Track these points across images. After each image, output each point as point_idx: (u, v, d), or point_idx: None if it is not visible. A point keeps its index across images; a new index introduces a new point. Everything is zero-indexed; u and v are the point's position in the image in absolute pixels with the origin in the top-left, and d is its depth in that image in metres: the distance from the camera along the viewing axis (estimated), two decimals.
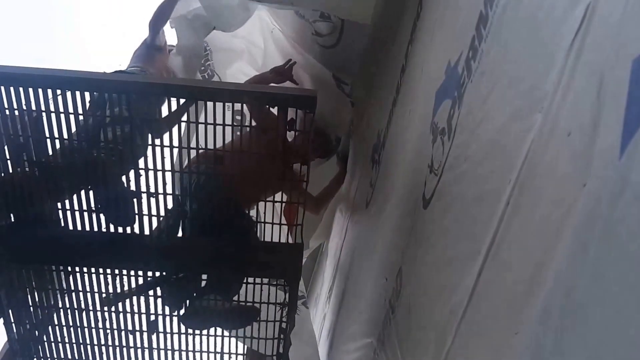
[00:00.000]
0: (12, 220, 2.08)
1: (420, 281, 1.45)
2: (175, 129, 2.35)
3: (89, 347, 2.45)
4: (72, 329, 2.39)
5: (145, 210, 2.09)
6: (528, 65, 1.00)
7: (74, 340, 2.42)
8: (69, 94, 1.88)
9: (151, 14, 2.69)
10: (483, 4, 1.23)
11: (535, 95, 0.93)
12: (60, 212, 2.11)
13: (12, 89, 1.85)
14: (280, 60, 2.90)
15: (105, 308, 2.35)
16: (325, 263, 3.74)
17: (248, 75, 3.10)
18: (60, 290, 2.29)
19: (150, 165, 2.01)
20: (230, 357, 2.57)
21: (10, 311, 2.27)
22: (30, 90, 1.85)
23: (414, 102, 1.82)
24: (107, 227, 2.12)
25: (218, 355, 2.54)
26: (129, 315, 2.37)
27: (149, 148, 2.01)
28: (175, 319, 2.38)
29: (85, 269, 2.25)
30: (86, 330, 2.41)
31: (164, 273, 2.27)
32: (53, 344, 2.42)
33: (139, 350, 2.48)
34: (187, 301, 2.28)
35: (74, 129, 1.95)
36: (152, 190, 2.05)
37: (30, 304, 2.29)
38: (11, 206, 2.04)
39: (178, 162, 2.10)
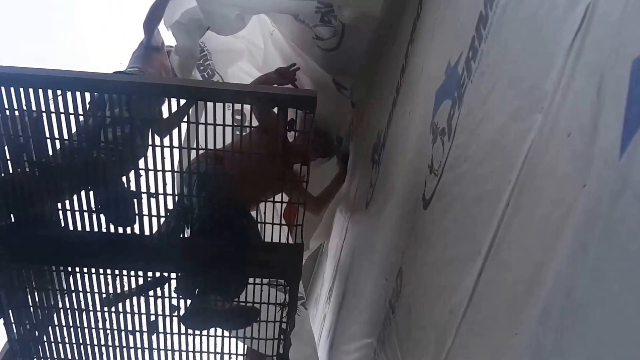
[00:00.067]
0: (13, 220, 2.08)
1: (421, 281, 1.45)
2: (175, 130, 2.35)
3: (89, 347, 2.45)
4: (72, 329, 2.39)
5: (145, 211, 2.10)
6: (528, 65, 1.00)
7: (74, 341, 2.42)
8: (69, 94, 1.88)
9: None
10: (483, 4, 1.23)
11: (535, 95, 0.93)
12: (60, 212, 2.11)
13: (12, 89, 1.85)
14: (281, 62, 2.90)
15: (106, 308, 2.35)
16: (325, 263, 3.74)
17: (249, 74, 3.10)
18: (61, 290, 2.29)
19: (151, 166, 2.02)
20: (230, 358, 2.57)
21: (10, 311, 2.27)
22: (31, 90, 1.85)
23: (414, 102, 1.82)
24: (107, 228, 2.12)
25: (218, 356, 2.54)
26: (129, 316, 2.37)
27: (149, 148, 2.01)
28: (175, 320, 2.38)
29: (85, 269, 2.25)
30: (86, 330, 2.41)
31: (164, 273, 2.28)
32: (53, 344, 2.42)
33: (139, 351, 2.48)
34: (187, 301, 2.28)
35: (74, 129, 1.95)
36: (153, 190, 2.05)
37: (31, 304, 2.29)
38: (11, 206, 2.04)
39: (180, 163, 2.10)
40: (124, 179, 2.06)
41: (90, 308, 2.34)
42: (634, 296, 0.57)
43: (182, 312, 2.31)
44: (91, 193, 2.08)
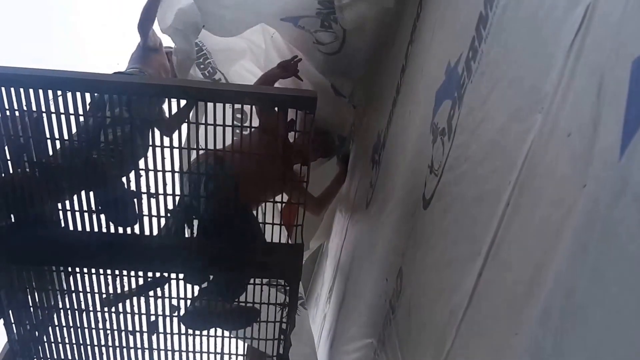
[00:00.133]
0: (13, 220, 2.08)
1: (421, 281, 1.45)
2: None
3: (89, 347, 2.45)
4: (72, 329, 2.39)
5: (145, 211, 2.10)
6: (528, 65, 1.00)
7: (74, 341, 2.42)
8: (69, 94, 1.88)
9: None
10: (483, 4, 1.23)
11: (535, 95, 0.93)
12: (60, 212, 2.11)
13: (12, 89, 1.85)
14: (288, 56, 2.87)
15: (106, 309, 2.35)
16: (326, 263, 3.74)
17: (252, 73, 3.09)
18: (61, 290, 2.29)
19: (151, 166, 2.02)
20: (230, 358, 2.57)
21: (10, 312, 2.27)
22: (31, 91, 1.85)
23: (414, 102, 1.82)
24: (107, 228, 2.12)
25: (218, 356, 2.54)
26: (129, 316, 2.37)
27: (149, 148, 2.01)
28: (175, 320, 2.38)
29: (85, 270, 2.25)
30: (86, 330, 2.41)
31: (164, 274, 2.28)
32: (53, 344, 2.42)
33: (139, 351, 2.48)
34: (187, 301, 2.28)
35: (74, 129, 1.96)
36: (153, 190, 2.05)
37: (31, 304, 2.29)
38: (11, 207, 2.04)
39: (181, 163, 2.10)
40: (124, 179, 2.07)
41: (91, 308, 2.34)
42: (633, 297, 0.57)
43: (182, 312, 2.31)
44: (91, 193, 2.08)
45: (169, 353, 2.49)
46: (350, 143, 3.26)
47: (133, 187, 2.05)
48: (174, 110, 2.21)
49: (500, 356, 0.91)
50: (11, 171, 2.00)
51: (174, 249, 2.13)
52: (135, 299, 2.33)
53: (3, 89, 1.85)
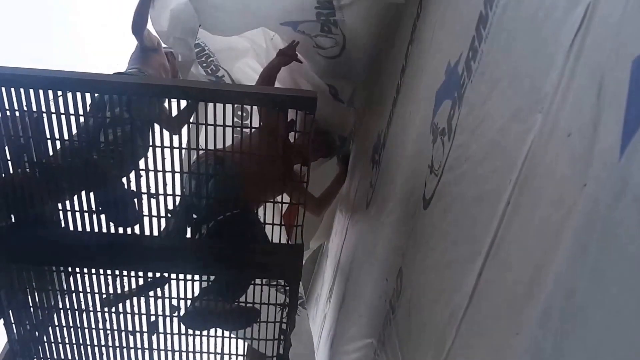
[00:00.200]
0: (13, 220, 2.08)
1: (421, 281, 1.45)
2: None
3: (89, 347, 2.45)
4: (72, 329, 2.39)
5: (145, 211, 2.10)
6: (528, 65, 1.00)
7: (74, 341, 2.42)
8: (69, 95, 1.88)
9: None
10: (483, 4, 1.23)
11: (535, 95, 0.93)
12: (60, 213, 2.11)
13: (12, 90, 1.85)
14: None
15: (106, 309, 2.35)
16: (326, 263, 3.74)
17: (255, 70, 3.09)
18: (61, 290, 2.29)
19: (151, 166, 2.02)
20: (230, 358, 2.57)
21: (10, 312, 2.27)
22: (31, 91, 1.85)
23: (414, 102, 1.82)
24: (108, 228, 2.12)
25: (218, 356, 2.54)
26: (129, 316, 2.37)
27: (149, 149, 2.01)
28: (175, 320, 2.38)
29: (85, 270, 2.25)
30: (86, 331, 2.41)
31: (164, 274, 2.28)
32: (53, 344, 2.42)
33: (139, 351, 2.48)
34: (187, 301, 2.28)
35: (74, 130, 1.96)
36: (153, 191, 2.05)
37: (31, 304, 2.29)
38: (12, 207, 2.04)
39: (181, 163, 2.10)
40: (124, 179, 2.07)
41: (91, 308, 2.34)
42: (633, 298, 0.57)
43: (182, 312, 2.31)
44: (91, 194, 2.08)
45: (169, 353, 2.49)
46: (350, 143, 3.26)
47: (133, 187, 2.06)
48: (178, 108, 2.22)
49: (500, 356, 0.91)
50: (11, 171, 2.00)
51: (174, 249, 2.13)
52: (135, 299, 2.33)
53: (3, 89, 1.85)
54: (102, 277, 2.26)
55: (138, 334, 2.43)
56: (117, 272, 2.26)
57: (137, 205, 2.09)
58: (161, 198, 2.07)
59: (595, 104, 0.74)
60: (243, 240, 2.11)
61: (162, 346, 2.46)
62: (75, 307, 2.33)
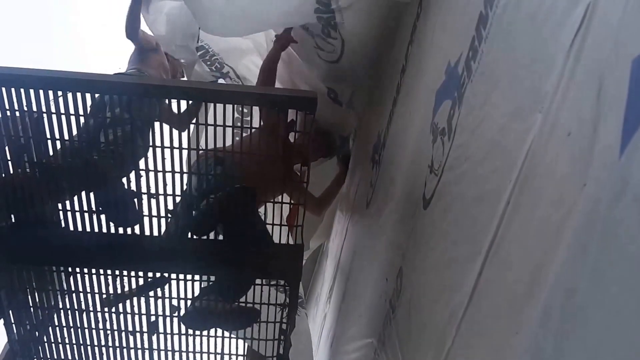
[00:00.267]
0: (13, 221, 2.08)
1: (421, 281, 1.45)
2: (175, 130, 2.36)
3: (89, 347, 2.45)
4: (72, 329, 2.39)
5: (145, 211, 2.10)
6: (528, 65, 1.00)
7: (74, 341, 2.43)
8: (69, 95, 1.88)
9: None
10: (483, 4, 1.23)
11: (535, 95, 0.93)
12: (60, 213, 2.11)
13: (13, 90, 1.86)
14: (282, 65, 2.88)
15: (106, 309, 2.35)
16: (326, 263, 3.74)
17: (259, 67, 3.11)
18: (61, 291, 2.29)
19: (151, 166, 2.02)
20: (230, 358, 2.57)
21: (10, 312, 2.28)
22: (31, 91, 1.85)
23: (414, 102, 1.82)
24: (108, 228, 2.12)
25: (218, 356, 2.54)
26: (129, 316, 2.37)
27: (149, 149, 2.02)
28: (175, 320, 2.38)
29: (85, 270, 2.25)
30: (86, 331, 2.41)
31: (165, 274, 2.28)
32: (53, 344, 2.42)
33: (140, 351, 2.48)
34: (188, 301, 2.28)
35: (74, 130, 1.96)
36: (153, 191, 2.05)
37: (31, 304, 2.29)
38: (12, 207, 2.04)
39: (181, 163, 2.10)
40: (124, 179, 2.07)
41: (91, 308, 2.34)
42: (633, 297, 0.57)
43: (182, 312, 2.31)
44: (91, 194, 2.08)
45: (169, 353, 2.49)
46: (350, 143, 3.26)
47: (133, 187, 2.06)
48: (182, 106, 2.23)
49: (500, 356, 0.91)
50: (12, 171, 2.01)
51: (174, 249, 2.13)
52: (135, 299, 2.33)
53: (3, 89, 1.85)
54: (102, 277, 2.26)
55: (138, 334, 2.43)
56: (117, 272, 2.26)
57: (137, 206, 2.09)
58: (161, 198, 2.07)
59: (595, 103, 0.74)
60: (246, 242, 2.11)
61: (162, 346, 2.46)
62: (75, 307, 2.33)
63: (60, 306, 2.34)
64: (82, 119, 1.95)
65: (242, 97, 2.03)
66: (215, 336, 2.49)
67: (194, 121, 2.70)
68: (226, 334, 2.50)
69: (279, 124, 2.13)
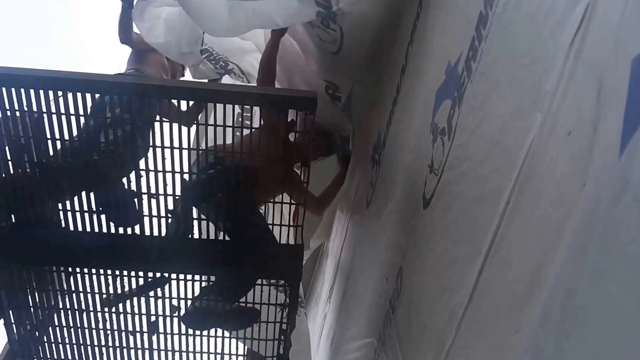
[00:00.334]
0: (13, 221, 2.08)
1: (421, 280, 1.45)
2: (176, 131, 2.36)
3: (89, 347, 2.45)
4: (72, 329, 2.40)
5: (145, 211, 2.10)
6: (528, 64, 1.00)
7: (74, 341, 2.43)
8: (69, 95, 1.88)
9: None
10: (483, 4, 1.23)
11: (535, 94, 0.93)
12: (60, 213, 2.11)
13: (13, 90, 1.86)
14: (279, 63, 2.88)
15: (106, 309, 2.35)
16: (326, 263, 3.74)
17: None
18: (61, 291, 2.29)
19: (151, 166, 2.02)
20: (230, 358, 2.57)
21: (10, 312, 2.28)
22: (31, 91, 1.85)
23: (414, 102, 1.82)
24: (108, 228, 2.12)
25: (219, 356, 2.54)
26: (129, 316, 2.37)
27: (149, 149, 2.02)
28: (175, 320, 2.38)
29: (85, 270, 2.25)
30: (87, 331, 2.41)
31: (165, 274, 2.28)
32: (53, 344, 2.42)
33: (140, 351, 2.49)
34: (188, 301, 2.29)
35: (74, 130, 1.96)
36: (153, 191, 2.05)
37: (31, 304, 2.29)
38: (12, 207, 2.04)
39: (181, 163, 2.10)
40: (124, 179, 2.07)
41: (91, 308, 2.34)
42: (633, 297, 0.57)
43: (182, 312, 2.31)
44: (92, 194, 2.08)
45: (169, 353, 2.49)
46: (350, 143, 3.26)
47: (133, 187, 2.06)
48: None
49: (500, 355, 0.91)
50: (12, 171, 2.01)
51: (174, 249, 2.14)
52: (135, 299, 2.33)
53: (4, 89, 1.85)
54: (102, 277, 2.26)
55: (138, 334, 2.43)
56: (117, 272, 2.26)
57: (137, 206, 2.09)
58: (161, 198, 2.07)
59: (595, 102, 0.74)
60: (246, 242, 2.11)
61: (162, 346, 2.46)
62: (76, 307, 2.33)
63: (60, 306, 2.34)
64: (82, 119, 1.95)
65: (242, 97, 2.03)
66: (216, 336, 2.49)
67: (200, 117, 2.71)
68: (226, 334, 2.50)
69: (279, 123, 2.13)
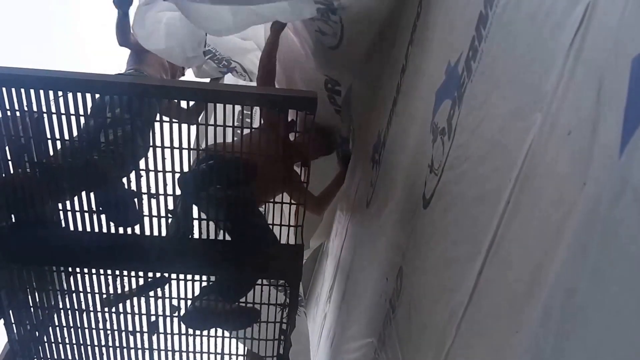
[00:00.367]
0: (13, 221, 2.08)
1: (421, 280, 1.45)
2: (176, 131, 2.36)
3: (89, 347, 2.45)
4: (72, 329, 2.39)
5: (145, 211, 2.10)
6: (528, 64, 1.00)
7: (74, 341, 2.43)
8: (69, 95, 1.88)
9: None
10: (483, 4, 1.23)
11: (535, 94, 0.93)
12: (61, 213, 2.11)
13: (13, 90, 1.86)
14: (277, 61, 2.88)
15: (106, 309, 2.35)
16: (326, 262, 3.74)
17: None
18: (61, 290, 2.29)
19: (151, 166, 2.02)
20: (230, 358, 2.57)
21: (10, 312, 2.28)
22: (32, 91, 1.85)
23: (414, 102, 1.82)
24: (108, 228, 2.12)
25: (219, 356, 2.54)
26: (129, 316, 2.37)
27: (150, 149, 2.02)
28: (175, 320, 2.38)
29: (85, 270, 2.25)
30: (87, 331, 2.41)
31: (165, 274, 2.28)
32: (53, 344, 2.42)
33: (140, 351, 2.49)
34: (188, 301, 2.29)
35: (74, 130, 1.96)
36: (153, 191, 2.05)
37: (31, 304, 2.29)
38: (12, 207, 2.04)
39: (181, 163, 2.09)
40: (124, 179, 2.07)
41: (91, 308, 2.34)
42: (633, 297, 0.57)
43: (182, 312, 2.31)
44: (92, 194, 2.08)
45: (169, 353, 2.49)
46: (350, 143, 3.26)
47: (133, 187, 2.06)
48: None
49: (500, 355, 0.91)
50: (12, 171, 2.01)
51: (174, 249, 2.14)
52: (135, 299, 2.33)
53: (4, 89, 1.85)
54: (102, 277, 2.26)
55: (138, 334, 2.43)
56: (117, 272, 2.26)
57: (137, 205, 2.09)
58: (161, 198, 2.07)
59: (595, 102, 0.74)
60: (247, 242, 2.11)
61: (162, 346, 2.46)
62: (76, 307, 2.33)
63: (60, 306, 2.34)
64: (82, 119, 1.95)
65: (242, 98, 2.03)
66: (216, 336, 2.49)
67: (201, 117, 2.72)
68: (226, 333, 2.50)
69: (279, 123, 2.13)
